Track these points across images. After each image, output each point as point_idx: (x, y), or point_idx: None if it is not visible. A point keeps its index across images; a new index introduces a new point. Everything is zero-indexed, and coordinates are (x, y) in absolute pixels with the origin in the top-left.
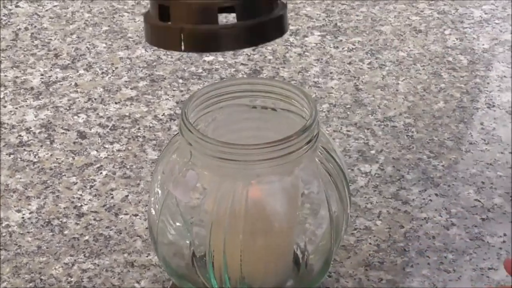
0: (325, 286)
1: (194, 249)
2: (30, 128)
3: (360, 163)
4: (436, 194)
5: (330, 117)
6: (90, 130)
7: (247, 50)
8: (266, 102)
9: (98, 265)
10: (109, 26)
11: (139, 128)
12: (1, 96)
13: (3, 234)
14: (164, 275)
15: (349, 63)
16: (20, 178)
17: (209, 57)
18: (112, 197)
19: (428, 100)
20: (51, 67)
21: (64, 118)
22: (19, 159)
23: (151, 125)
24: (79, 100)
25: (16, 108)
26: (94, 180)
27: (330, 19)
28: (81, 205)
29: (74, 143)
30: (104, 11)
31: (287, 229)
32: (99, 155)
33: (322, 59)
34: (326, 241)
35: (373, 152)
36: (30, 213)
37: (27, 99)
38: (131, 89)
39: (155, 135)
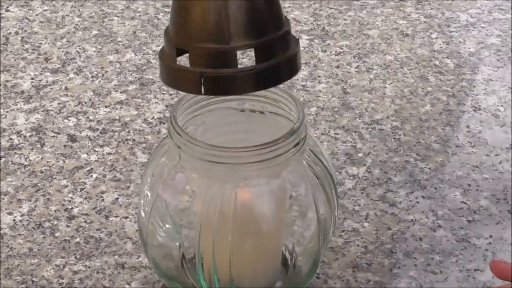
0: (313, 287)
1: (184, 251)
2: (21, 131)
3: (347, 166)
4: (423, 196)
5: (318, 120)
6: (81, 133)
7: None
8: (254, 105)
9: (89, 267)
10: (99, 30)
11: (129, 132)
12: None
13: None
14: (155, 277)
15: (337, 67)
16: (11, 181)
17: None
18: (103, 200)
19: (415, 104)
20: (41, 71)
21: (54, 121)
22: (10, 162)
23: (140, 128)
24: (69, 104)
25: (7, 112)
26: (85, 183)
27: (318, 23)
28: (72, 208)
29: (65, 146)
30: (94, 15)
31: (275, 231)
32: (89, 158)
33: (310, 62)
34: (314, 243)
35: (360, 155)
36: (21, 215)
37: (18, 102)
38: (121, 92)
39: (144, 138)
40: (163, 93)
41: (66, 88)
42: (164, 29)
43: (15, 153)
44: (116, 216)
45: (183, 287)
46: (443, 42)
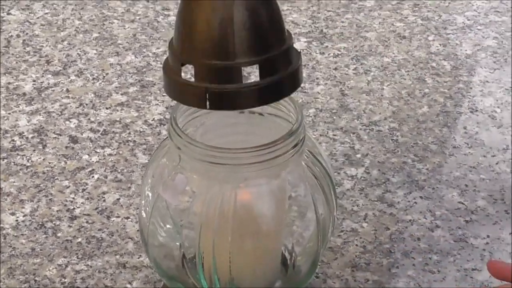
0: (313, 286)
1: (184, 250)
2: (23, 133)
3: (346, 167)
4: (421, 197)
5: (317, 122)
6: (82, 134)
7: None
8: None
9: (91, 267)
10: (99, 33)
11: (129, 133)
12: None
13: None
14: (156, 276)
15: (335, 69)
16: (14, 182)
17: None
18: (104, 200)
19: (412, 105)
20: (43, 73)
21: (56, 123)
22: (12, 163)
23: (141, 129)
24: (70, 106)
25: (9, 114)
26: (86, 184)
27: (316, 25)
28: (74, 208)
29: (66, 147)
30: (95, 18)
31: (274, 231)
32: (90, 159)
33: (308, 64)
34: (313, 243)
35: (358, 156)
36: (24, 216)
37: (20, 104)
38: (122, 94)
39: (145, 139)
40: (163, 95)
41: (67, 90)
42: (163, 32)
43: (17, 154)
44: (118, 217)
45: (183, 286)
46: (440, 44)
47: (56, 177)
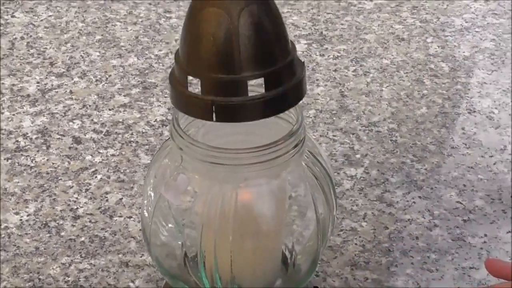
0: (313, 285)
1: (186, 249)
2: (27, 134)
3: (345, 167)
4: (419, 197)
5: (317, 123)
6: (85, 135)
7: None
8: None
9: (94, 265)
10: (102, 35)
11: (132, 134)
12: None
13: (2, 236)
14: (158, 275)
15: (335, 70)
16: (18, 182)
17: None
18: (107, 200)
19: (411, 106)
20: (46, 75)
21: (59, 124)
22: (16, 164)
23: (143, 130)
24: (74, 107)
25: (13, 115)
26: (89, 184)
27: (316, 27)
28: (77, 208)
29: (70, 148)
30: (97, 21)
31: (275, 230)
32: (93, 159)
33: (308, 66)
34: (313, 242)
35: (358, 156)
36: (28, 215)
37: (24, 106)
38: (124, 96)
39: (147, 140)
40: (165, 96)
41: (70, 92)
42: (165, 34)
43: (22, 154)
44: (120, 216)
45: (185, 285)
46: (438, 46)
47: (59, 177)
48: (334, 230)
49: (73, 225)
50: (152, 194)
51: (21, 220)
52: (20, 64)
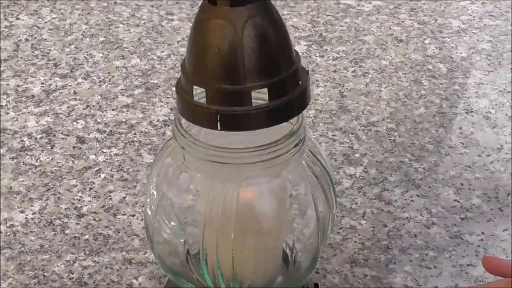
0: (313, 282)
1: (188, 247)
2: (32, 133)
3: (345, 166)
4: (418, 195)
5: (317, 122)
6: (89, 135)
7: None
8: None
9: (98, 263)
10: (105, 37)
11: (135, 133)
12: (4, 104)
13: (8, 234)
14: (160, 272)
15: (334, 71)
16: (23, 181)
17: None
18: (111, 199)
19: (409, 106)
20: (51, 76)
21: (63, 124)
22: (21, 163)
23: (146, 130)
24: (78, 107)
25: (18, 115)
26: (93, 183)
27: (316, 29)
28: (81, 206)
29: (74, 147)
30: (101, 23)
31: (276, 228)
32: (97, 159)
33: (308, 67)
34: (313, 239)
35: (357, 155)
36: (33, 213)
37: (29, 106)
38: (127, 96)
39: (150, 140)
40: (167, 97)
41: (74, 92)
42: (167, 36)
43: (27, 154)
44: (124, 214)
45: (188, 281)
46: (436, 47)
47: (64, 176)
48: (334, 228)
49: (77, 223)
50: (155, 193)
51: (26, 218)
52: (25, 66)
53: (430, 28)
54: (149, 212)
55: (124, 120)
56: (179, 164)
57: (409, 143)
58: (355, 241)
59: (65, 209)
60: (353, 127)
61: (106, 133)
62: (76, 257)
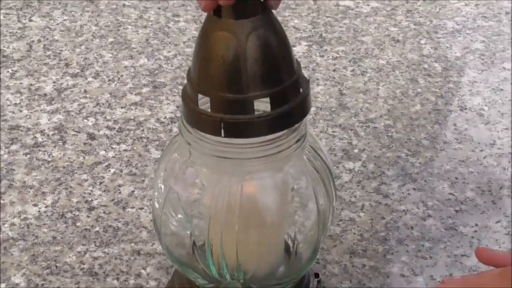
0: (313, 272)
1: (194, 239)
2: (44, 130)
3: (344, 161)
4: (414, 189)
5: (317, 119)
6: (99, 132)
7: None
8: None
9: (107, 254)
10: (114, 38)
11: (143, 130)
12: (18, 102)
13: (22, 226)
14: (168, 262)
15: (334, 70)
16: (36, 176)
17: None
18: (120, 193)
19: (406, 104)
20: (62, 75)
21: (75, 121)
22: (34, 159)
23: (154, 127)
24: (88, 105)
25: (31, 113)
26: (103, 177)
27: (316, 30)
28: (92, 200)
29: (84, 144)
30: (110, 24)
31: (278, 221)
32: (107, 154)
33: (309, 66)
34: (314, 231)
35: (356, 151)
36: (45, 207)
37: (41, 104)
38: (136, 94)
39: (157, 136)
40: (174, 95)
41: (85, 91)
42: (173, 37)
43: (39, 150)
44: (132, 207)
45: (194, 271)
46: (431, 47)
47: (75, 171)
48: (334, 220)
49: (88, 216)
50: (163, 187)
51: (39, 211)
52: (38, 65)
53: (425, 29)
54: (157, 205)
55: (132, 117)
56: (185, 159)
57: (405, 139)
58: (354, 233)
59: (76, 202)
60: (352, 124)
61: (116, 129)
62: (87, 248)
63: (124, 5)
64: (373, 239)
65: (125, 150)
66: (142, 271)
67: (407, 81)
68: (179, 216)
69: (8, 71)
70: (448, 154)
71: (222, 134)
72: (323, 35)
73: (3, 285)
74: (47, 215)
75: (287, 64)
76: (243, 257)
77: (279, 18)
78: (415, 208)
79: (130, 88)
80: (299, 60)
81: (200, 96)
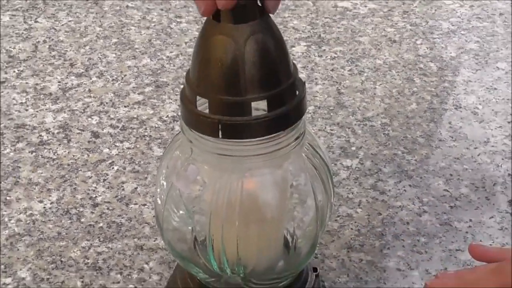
0: (312, 266)
1: (196, 234)
2: (49, 129)
3: (342, 158)
4: (410, 185)
5: (316, 118)
6: (103, 130)
7: None
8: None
9: (111, 249)
10: (118, 38)
11: (146, 128)
12: (23, 101)
13: (28, 222)
14: (170, 257)
15: (332, 70)
16: (42, 173)
17: None
18: (123, 189)
19: (402, 102)
20: (67, 75)
21: (79, 120)
22: (40, 156)
23: (156, 125)
24: (92, 104)
25: (37, 112)
26: (107, 174)
27: (315, 31)
28: (96, 196)
29: (89, 142)
30: (114, 25)
31: (277, 216)
32: (111, 152)
33: (307, 66)
34: (312, 227)
35: (353, 148)
36: (51, 203)
37: (46, 103)
38: (139, 94)
39: (160, 134)
40: (176, 94)
41: (89, 90)
42: (176, 37)
43: (45, 148)
44: (135, 204)
45: (195, 266)
46: (427, 48)
47: (79, 169)
48: (332, 216)
49: (92, 212)
50: (165, 184)
51: (44, 207)
52: (43, 65)
53: (421, 30)
54: (159, 202)
55: (135, 116)
56: (187, 157)
57: (402, 137)
58: (351, 228)
59: (81, 199)
60: (349, 122)
61: (119, 128)
62: (91, 244)
63: (127, 6)
64: (370, 234)
65: (128, 148)
66: (145, 265)
67: (403, 81)
68: (181, 212)
69: (14, 71)
70: (443, 151)
71: (220, 135)
72: (322, 35)
73: (9, 279)
74: (52, 211)
75: (284, 68)
76: (243, 252)
77: (279, 19)
78: (411, 204)
79: (133, 87)
80: (298, 60)
81: (198, 97)
